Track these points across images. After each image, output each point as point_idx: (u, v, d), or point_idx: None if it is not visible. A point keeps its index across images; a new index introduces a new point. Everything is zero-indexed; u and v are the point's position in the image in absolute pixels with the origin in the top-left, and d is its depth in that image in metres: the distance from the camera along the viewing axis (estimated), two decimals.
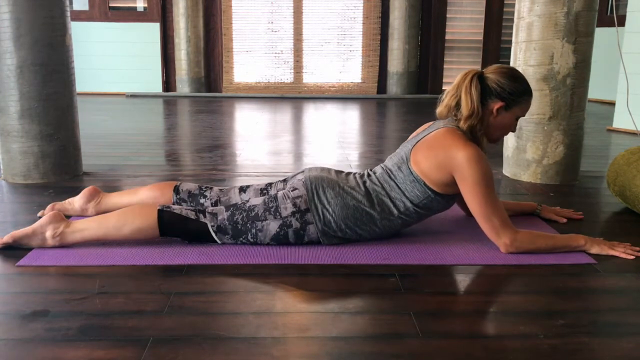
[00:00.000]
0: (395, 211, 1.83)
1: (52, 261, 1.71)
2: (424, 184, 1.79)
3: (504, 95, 1.80)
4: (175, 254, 1.77)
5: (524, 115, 1.89)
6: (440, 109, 1.87)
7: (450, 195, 1.83)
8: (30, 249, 1.78)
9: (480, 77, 1.80)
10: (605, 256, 1.81)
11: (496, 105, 1.80)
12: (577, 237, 1.83)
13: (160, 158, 3.49)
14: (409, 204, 1.82)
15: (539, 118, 2.71)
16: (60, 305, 1.44)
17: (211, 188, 2.04)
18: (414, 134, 1.97)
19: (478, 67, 1.83)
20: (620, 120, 4.40)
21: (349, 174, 1.94)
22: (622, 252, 1.79)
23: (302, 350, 1.26)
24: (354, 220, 1.81)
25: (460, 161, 1.72)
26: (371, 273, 1.67)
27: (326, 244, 1.83)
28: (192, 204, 2.00)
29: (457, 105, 1.82)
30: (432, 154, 1.79)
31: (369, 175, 1.90)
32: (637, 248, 1.82)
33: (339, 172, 1.95)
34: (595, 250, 1.79)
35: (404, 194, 1.82)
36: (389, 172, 1.86)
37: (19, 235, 1.78)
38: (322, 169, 1.96)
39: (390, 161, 1.90)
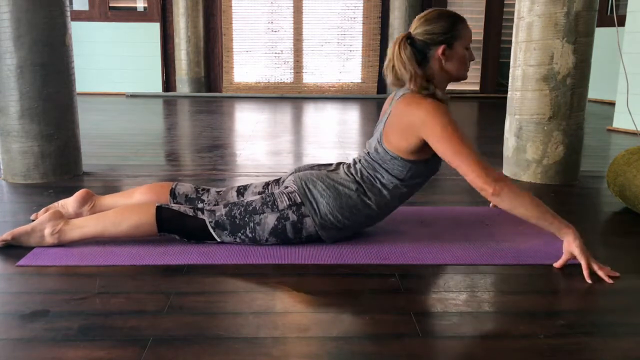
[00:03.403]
0: (385, 192, 1.84)
1: (52, 261, 1.71)
2: (401, 158, 1.81)
3: (439, 39, 1.79)
4: (175, 254, 1.77)
5: (470, 42, 1.85)
6: (389, 82, 1.87)
7: (429, 159, 1.82)
8: (30, 249, 1.78)
9: (408, 38, 1.81)
10: (603, 257, 1.81)
11: (438, 51, 1.80)
12: (572, 230, 1.67)
13: (160, 158, 3.49)
14: (396, 181, 1.84)
15: (539, 118, 2.71)
16: (60, 305, 1.43)
17: (208, 190, 2.04)
18: (382, 110, 2.00)
19: (405, 31, 1.86)
20: (620, 120, 4.40)
21: (338, 165, 1.97)
22: (605, 274, 1.63)
23: (302, 350, 1.25)
24: (349, 209, 1.82)
25: (421, 119, 1.73)
26: (371, 273, 1.67)
27: (326, 238, 1.84)
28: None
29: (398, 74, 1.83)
30: (396, 126, 1.81)
31: (355, 163, 1.92)
32: (616, 274, 1.65)
33: (327, 166, 2.00)
34: (577, 253, 1.65)
35: (389, 173, 1.84)
36: (371, 156, 1.88)
37: (18, 232, 1.80)
38: (312, 165, 2.02)
39: (368, 145, 1.93)
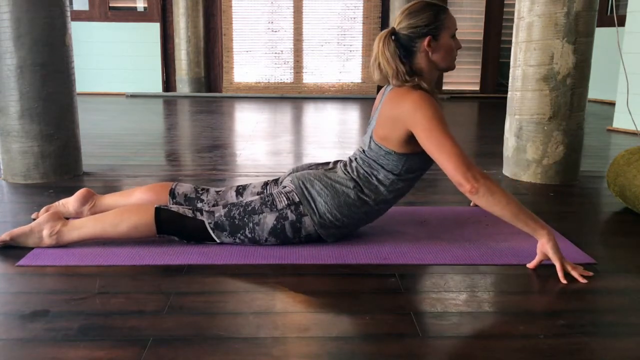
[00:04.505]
0: (382, 188, 1.84)
1: (52, 261, 1.71)
2: (395, 152, 1.81)
3: (423, 31, 1.78)
4: (175, 254, 1.77)
5: (455, 30, 1.83)
6: (376, 79, 1.86)
7: (423, 151, 1.79)
8: (30, 249, 1.78)
9: (392, 34, 1.80)
10: (603, 257, 1.81)
11: (424, 43, 1.78)
12: (546, 232, 1.66)
13: (160, 158, 3.49)
14: (392, 177, 1.84)
15: (539, 118, 2.71)
16: (60, 305, 1.44)
17: (207, 190, 2.04)
18: (374, 106, 2.00)
19: (389, 28, 1.84)
20: (620, 120, 4.40)
21: (336, 163, 1.98)
22: (578, 274, 1.63)
23: (302, 350, 1.25)
24: (348, 207, 1.82)
25: (406, 110, 1.73)
26: (371, 273, 1.67)
27: (325, 236, 1.84)
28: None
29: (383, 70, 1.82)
30: (385, 120, 1.81)
31: (351, 161, 1.92)
32: (589, 273, 1.65)
33: (325, 165, 2.00)
34: (550, 254, 1.64)
35: (385, 168, 1.84)
36: (365, 153, 1.88)
37: (17, 233, 1.80)
38: (310, 165, 2.03)
39: (363, 143, 1.93)
